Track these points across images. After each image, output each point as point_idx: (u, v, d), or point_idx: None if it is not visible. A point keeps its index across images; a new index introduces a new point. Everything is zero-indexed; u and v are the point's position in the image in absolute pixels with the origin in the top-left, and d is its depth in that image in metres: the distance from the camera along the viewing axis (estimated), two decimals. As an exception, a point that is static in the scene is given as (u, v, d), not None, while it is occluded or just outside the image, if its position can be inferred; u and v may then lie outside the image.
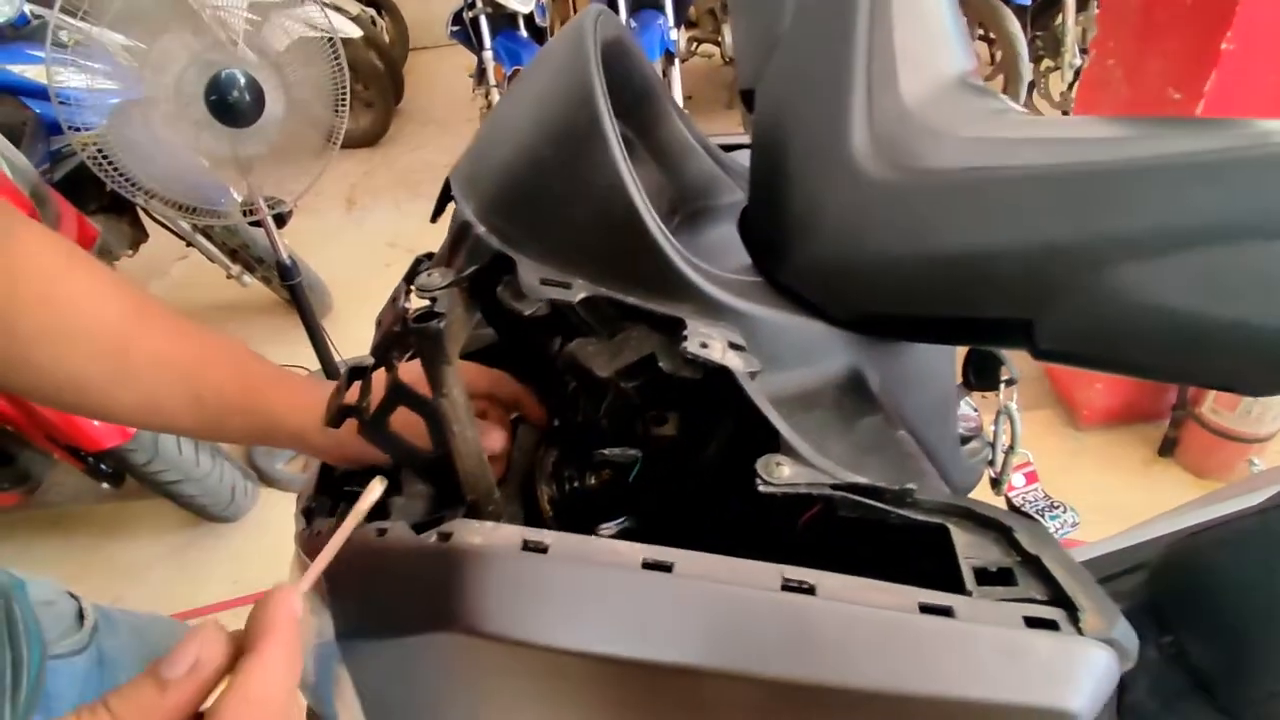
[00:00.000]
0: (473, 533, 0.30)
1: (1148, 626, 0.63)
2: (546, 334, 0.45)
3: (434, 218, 0.42)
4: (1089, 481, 1.59)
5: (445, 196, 0.40)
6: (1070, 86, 2.77)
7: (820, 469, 0.30)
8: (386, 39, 4.10)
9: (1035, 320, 0.30)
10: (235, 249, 2.15)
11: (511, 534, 0.29)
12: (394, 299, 0.38)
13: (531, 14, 2.76)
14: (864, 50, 0.36)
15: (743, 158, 0.50)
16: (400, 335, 0.37)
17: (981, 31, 2.93)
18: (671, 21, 2.72)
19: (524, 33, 2.81)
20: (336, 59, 1.43)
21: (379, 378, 0.39)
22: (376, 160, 3.61)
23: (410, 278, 0.45)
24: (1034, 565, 0.28)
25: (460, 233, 0.37)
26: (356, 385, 0.41)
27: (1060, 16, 2.72)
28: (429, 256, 0.46)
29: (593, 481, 0.45)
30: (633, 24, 2.71)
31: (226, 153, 1.35)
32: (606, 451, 0.43)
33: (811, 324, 0.35)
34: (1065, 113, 2.83)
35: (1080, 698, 0.25)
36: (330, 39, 1.42)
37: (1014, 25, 2.61)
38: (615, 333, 0.37)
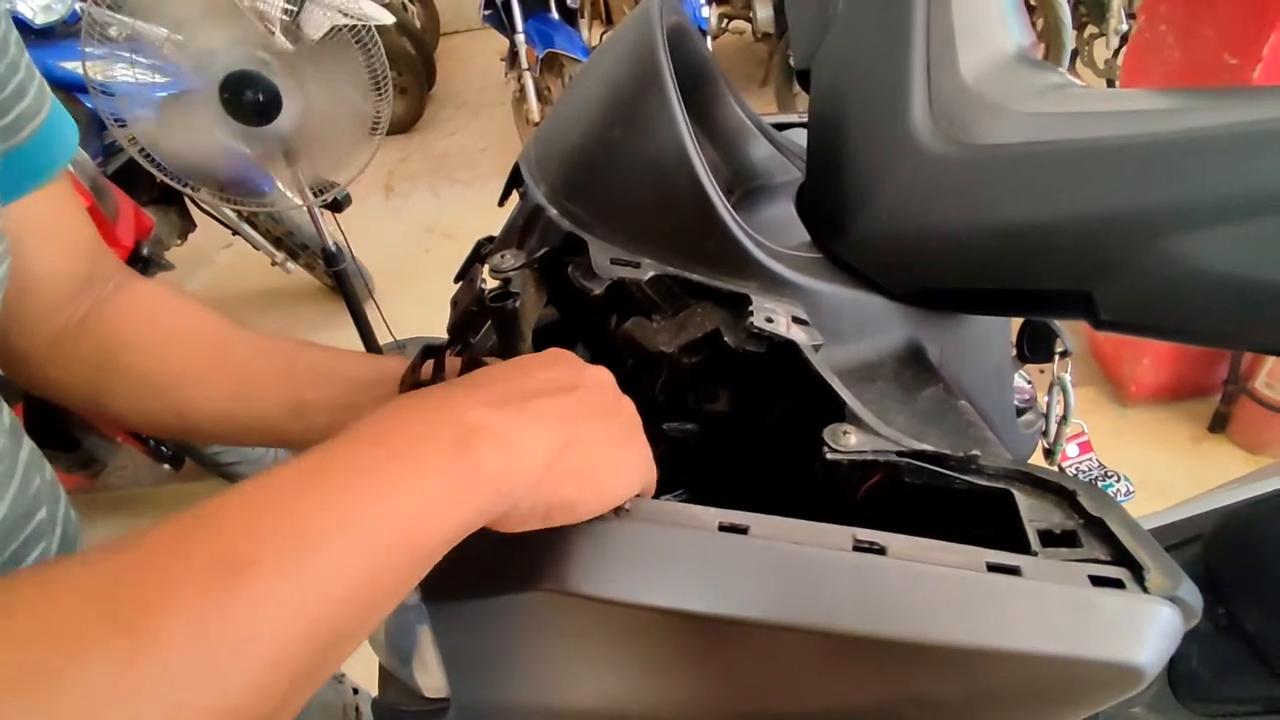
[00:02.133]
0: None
1: (1205, 598, 0.63)
2: (606, 312, 0.47)
3: (501, 201, 0.44)
4: (1136, 458, 1.56)
5: (514, 180, 0.42)
6: (1116, 53, 2.68)
7: (886, 437, 0.31)
8: (418, 24, 4.12)
9: (1095, 291, 0.31)
10: (279, 237, 2.20)
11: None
12: (470, 280, 0.39)
13: (562, -5, 2.76)
14: (922, 27, 0.36)
15: (796, 137, 0.50)
16: (476, 315, 0.39)
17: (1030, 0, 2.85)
18: (705, -1, 2.69)
19: (555, 15, 2.80)
20: (374, 45, 1.44)
21: (453, 358, 0.41)
22: (412, 146, 3.65)
23: (473, 261, 0.47)
24: (1098, 527, 0.28)
25: (532, 215, 0.39)
26: (429, 365, 0.43)
27: (1105, -18, 2.63)
28: (490, 240, 0.48)
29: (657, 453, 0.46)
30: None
31: (254, 148, 1.38)
32: (665, 426, 0.45)
33: (871, 298, 0.36)
34: (1110, 80, 2.75)
35: (1147, 652, 0.26)
36: (367, 27, 1.44)
37: (1058, -8, 2.53)
38: (679, 310, 0.38)
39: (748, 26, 3.39)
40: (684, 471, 0.45)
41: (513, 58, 2.86)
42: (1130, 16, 2.62)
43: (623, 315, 0.41)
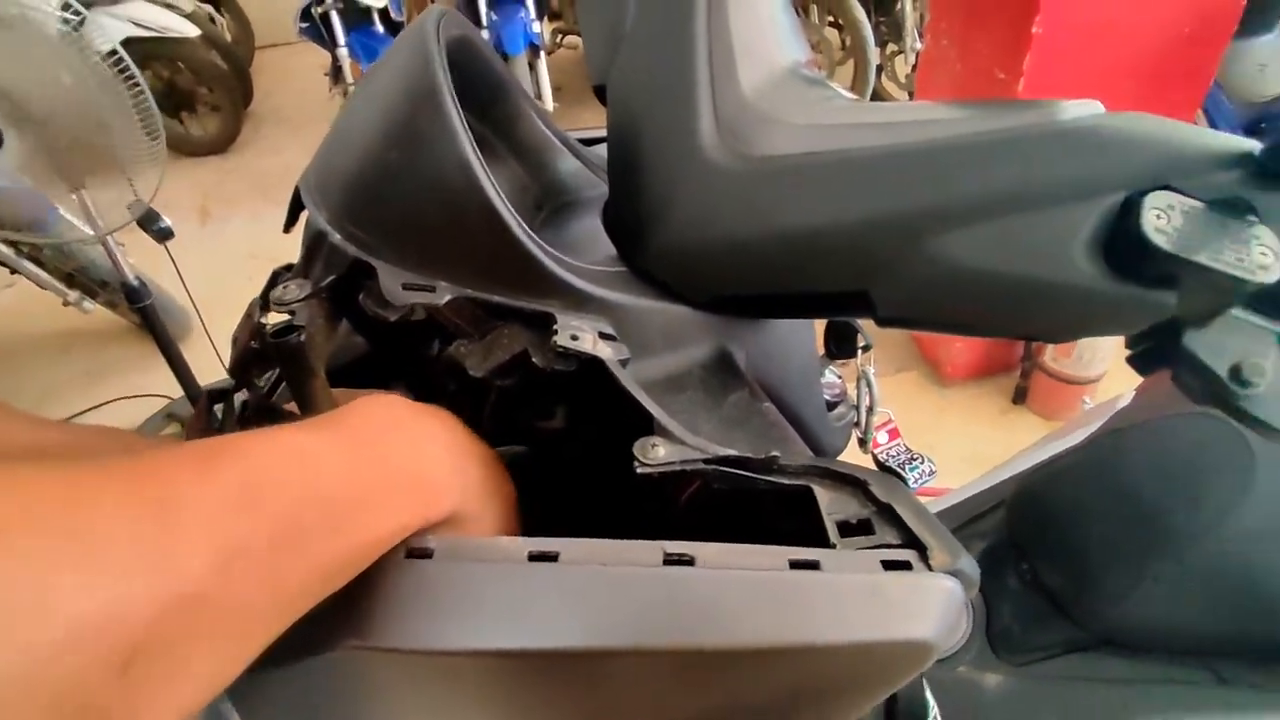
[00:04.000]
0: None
1: (1008, 559, 0.70)
2: (423, 339, 0.45)
3: (286, 228, 0.41)
4: (955, 432, 1.73)
5: (296, 205, 0.38)
6: (914, 68, 2.96)
7: (692, 446, 0.31)
8: (228, 37, 3.83)
9: (871, 290, 0.33)
10: (70, 273, 1.95)
11: (395, 547, 0.29)
12: (249, 314, 0.36)
13: (386, 8, 2.66)
14: (704, 44, 0.37)
15: (604, 150, 0.51)
16: (258, 352, 0.35)
17: (831, 18, 3.08)
18: (533, 13, 2.69)
19: (380, 28, 2.70)
20: (118, 61, 1.27)
21: (238, 400, 0.38)
22: (229, 167, 3.38)
23: (268, 291, 0.43)
24: (888, 513, 0.30)
25: (315, 242, 0.36)
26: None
27: (900, 3, 2.90)
28: (288, 268, 0.44)
29: None
30: (494, 16, 2.66)
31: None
32: (498, 450, 0.43)
33: (676, 309, 0.37)
34: (911, 93, 3.03)
35: (934, 627, 0.27)
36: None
37: (859, 12, 2.76)
38: (486, 333, 0.37)
39: (581, 40, 3.44)
40: (523, 493, 0.44)
41: (336, 72, 2.72)
42: (923, 35, 2.91)
43: (444, 340, 0.39)
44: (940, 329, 0.34)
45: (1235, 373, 0.29)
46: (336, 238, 0.35)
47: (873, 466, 0.47)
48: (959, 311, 0.33)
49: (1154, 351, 0.32)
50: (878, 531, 0.30)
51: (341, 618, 0.28)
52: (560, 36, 3.67)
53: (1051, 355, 1.67)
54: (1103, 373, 1.64)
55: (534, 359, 0.34)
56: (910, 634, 0.27)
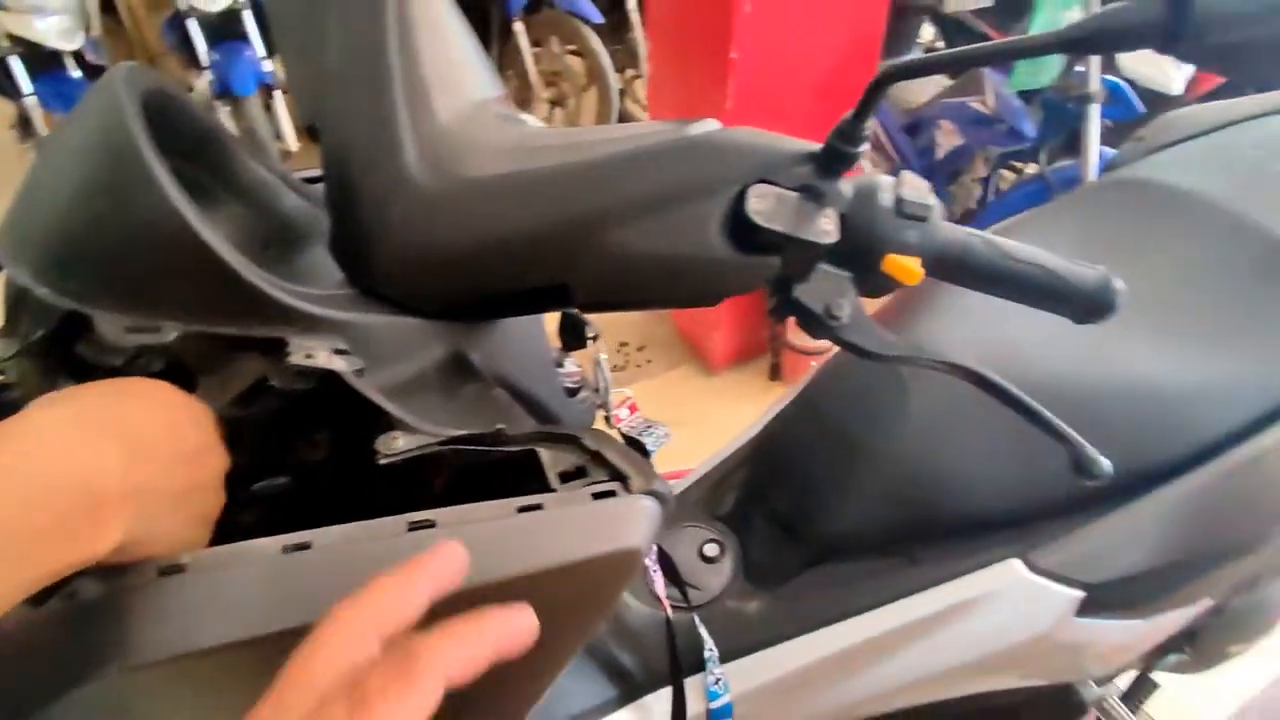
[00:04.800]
0: (98, 582, 0.30)
1: (755, 503, 0.82)
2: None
3: None
4: (725, 415, 1.92)
5: None
6: (651, 91, 3.22)
7: (427, 433, 0.36)
8: None
9: (569, 282, 0.40)
10: None
11: (145, 568, 0.31)
12: None
13: (81, 51, 2.38)
14: (399, 82, 0.42)
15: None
16: None
17: (571, 48, 3.26)
18: (261, 51, 2.55)
19: (76, 72, 2.41)
20: None
21: None
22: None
23: None
24: (598, 458, 0.37)
25: (18, 299, 0.36)
26: None
27: (632, 31, 3.15)
28: None
29: (248, 519, 0.45)
30: (215, 56, 2.48)
31: None
32: (256, 487, 0.45)
33: (406, 321, 0.41)
34: (653, 114, 3.28)
35: (637, 536, 0.35)
36: None
37: (594, 41, 2.95)
38: (224, 367, 0.39)
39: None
40: (285, 522, 0.45)
41: (24, 124, 2.38)
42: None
43: (189, 386, 0.39)
44: (627, 307, 0.42)
45: (827, 311, 0.40)
46: (43, 291, 0.35)
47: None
48: (637, 290, 0.41)
49: (780, 305, 0.42)
50: (591, 474, 0.37)
51: (106, 643, 0.29)
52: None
53: (792, 332, 1.93)
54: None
55: (273, 382, 0.37)
56: (619, 544, 0.34)
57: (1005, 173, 2.29)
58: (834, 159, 0.40)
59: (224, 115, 2.50)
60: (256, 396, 0.39)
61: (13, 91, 2.29)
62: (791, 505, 0.76)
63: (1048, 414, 0.41)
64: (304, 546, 0.31)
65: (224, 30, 2.54)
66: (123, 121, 0.35)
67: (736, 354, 2.08)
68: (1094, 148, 1.66)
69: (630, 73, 3.39)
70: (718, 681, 0.69)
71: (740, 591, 0.75)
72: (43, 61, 2.33)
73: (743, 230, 0.39)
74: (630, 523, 0.35)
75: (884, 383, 0.72)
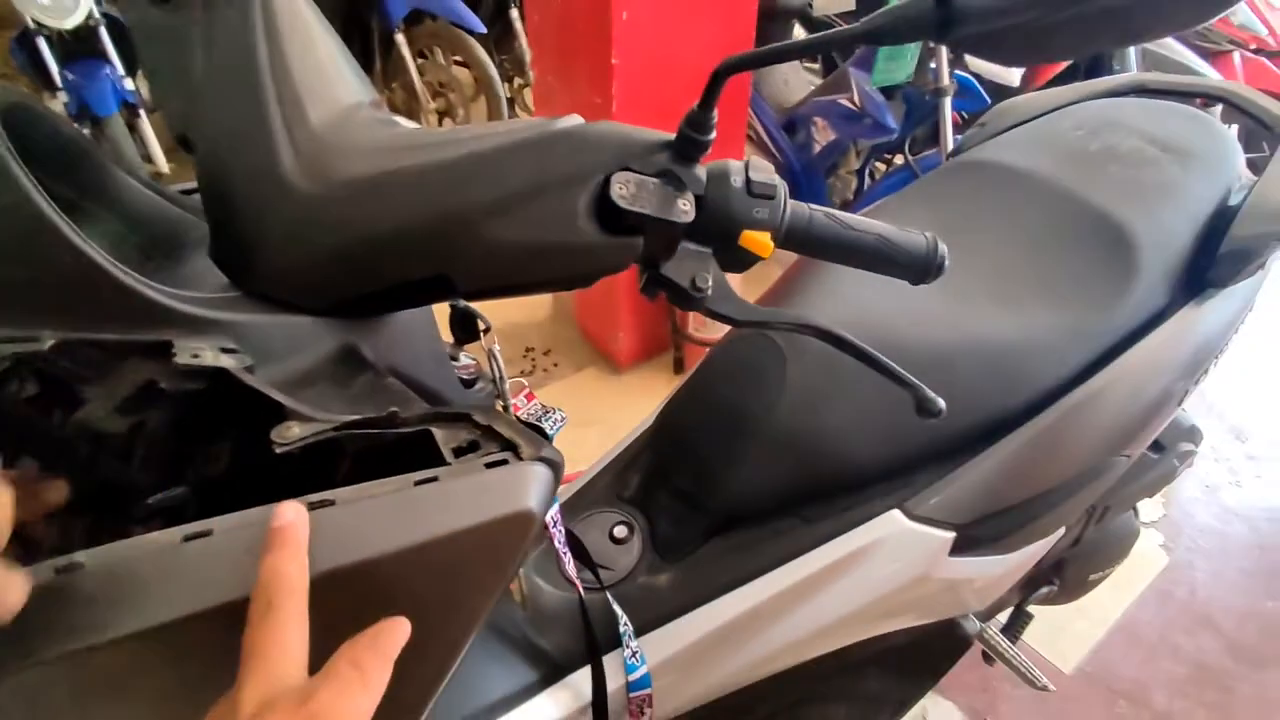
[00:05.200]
0: None
1: (659, 482, 0.86)
2: (45, 411, 0.44)
3: None
4: (632, 410, 1.95)
5: None
6: (540, 100, 3.24)
7: (321, 420, 0.38)
8: None
9: (449, 273, 0.42)
10: None
11: (40, 569, 0.31)
12: None
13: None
14: (271, 91, 0.44)
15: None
16: None
17: (458, 59, 3.24)
18: (121, 69, 2.41)
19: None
20: None
21: None
22: None
23: None
24: (489, 432, 0.40)
25: None
26: None
27: (517, 41, 3.16)
28: None
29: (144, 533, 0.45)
30: (70, 77, 2.33)
31: None
32: (152, 500, 0.44)
33: (291, 319, 0.42)
34: (544, 121, 3.29)
35: (530, 499, 0.37)
36: None
37: (479, 51, 2.95)
38: (109, 375, 0.39)
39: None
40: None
41: None
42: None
43: (67, 408, 0.39)
44: (505, 293, 0.45)
45: (693, 284, 0.44)
46: None
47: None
48: (514, 275, 0.44)
49: (650, 282, 0.46)
50: (483, 447, 0.39)
51: (5, 644, 0.29)
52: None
53: (693, 326, 2.00)
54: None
55: (162, 384, 0.38)
56: (513, 507, 0.37)
57: (879, 164, 2.45)
58: (687, 146, 0.44)
59: (84, 138, 2.35)
60: (146, 404, 0.39)
61: None
62: (691, 480, 0.80)
63: (888, 362, 0.47)
64: (205, 534, 0.32)
65: (78, 48, 2.39)
66: None
67: (640, 352, 2.13)
68: (949, 135, 1.81)
69: (518, 82, 3.41)
70: (634, 654, 0.72)
71: (650, 567, 0.78)
72: None
73: (608, 215, 0.42)
74: (522, 487, 0.37)
75: (764, 357, 0.78)
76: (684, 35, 1.65)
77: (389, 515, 0.34)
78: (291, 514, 0.33)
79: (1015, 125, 1.10)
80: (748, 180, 0.45)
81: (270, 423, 0.39)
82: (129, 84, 2.43)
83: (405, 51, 2.86)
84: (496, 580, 0.39)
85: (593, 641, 0.71)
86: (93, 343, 0.37)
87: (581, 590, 0.71)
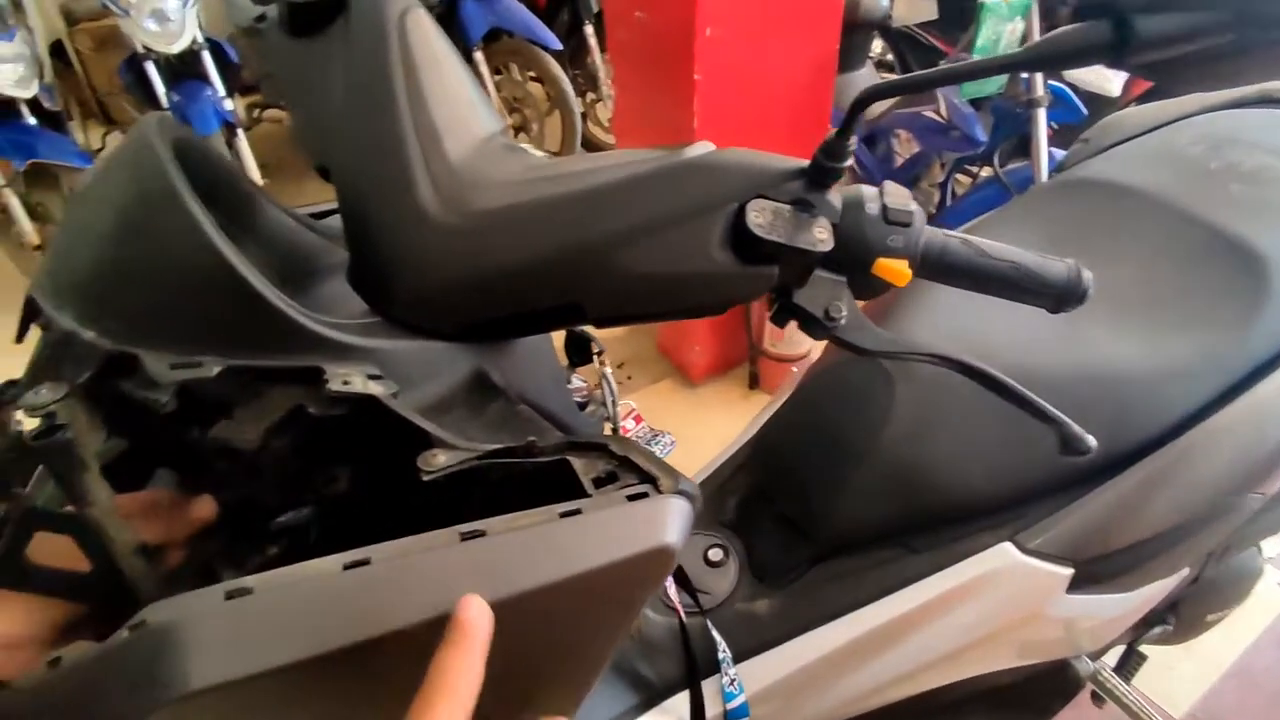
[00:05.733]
0: (168, 608, 0.31)
1: (758, 506, 0.85)
2: (183, 426, 0.46)
3: (19, 338, 0.41)
4: (707, 423, 1.96)
5: (30, 315, 0.39)
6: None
7: (465, 449, 0.38)
8: None
9: (582, 301, 0.42)
10: None
11: (210, 592, 0.32)
12: (1, 425, 0.36)
13: (36, 98, 2.35)
14: (411, 126, 0.45)
15: (335, 221, 0.55)
16: (18, 459, 0.35)
17: (532, 74, 3.30)
18: (221, 90, 2.55)
19: (31, 119, 2.37)
20: None
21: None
22: None
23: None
24: (627, 463, 0.39)
25: (62, 343, 0.37)
26: None
27: (590, 55, 3.20)
28: (13, 384, 0.43)
29: (275, 551, 0.46)
30: (175, 98, 2.48)
31: None
32: (281, 519, 0.46)
33: (429, 345, 0.43)
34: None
35: (671, 534, 0.37)
36: None
37: (555, 68, 3.00)
38: (258, 399, 0.40)
39: (284, 114, 3.30)
40: (314, 553, 0.47)
41: (-19, 175, 2.34)
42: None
43: (204, 425, 0.41)
44: (637, 320, 0.45)
45: (826, 314, 0.43)
46: (89, 335, 0.36)
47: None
48: (646, 304, 0.43)
49: (781, 310, 0.45)
50: (621, 478, 0.39)
51: (175, 669, 0.30)
52: (258, 111, 3.48)
53: (769, 341, 1.97)
54: (809, 349, 1.97)
55: (310, 409, 0.39)
56: (654, 542, 0.36)
57: (960, 177, 2.37)
58: (821, 173, 0.43)
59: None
60: (290, 426, 0.40)
61: (-34, 142, 2.25)
62: (794, 503, 0.79)
63: (1033, 397, 0.44)
64: (363, 563, 0.33)
65: (182, 70, 2.53)
66: (159, 166, 0.37)
67: (715, 365, 2.12)
68: (1043, 149, 1.74)
69: (591, 96, 3.45)
70: (733, 682, 0.71)
71: (748, 593, 0.77)
72: (-4, 110, 2.30)
73: (743, 243, 0.42)
74: (664, 521, 0.37)
75: (871, 380, 0.76)
76: (767, 51, 1.64)
77: (538, 549, 0.34)
78: (475, 610, 0.32)
79: (1124, 140, 1.04)
80: (883, 207, 0.44)
81: (404, 448, 0.39)
82: (228, 104, 2.57)
83: (484, 69, 2.93)
84: (629, 614, 0.39)
85: (693, 667, 0.70)
86: (247, 369, 0.38)
87: (683, 615, 0.71)
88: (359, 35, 0.47)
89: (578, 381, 0.60)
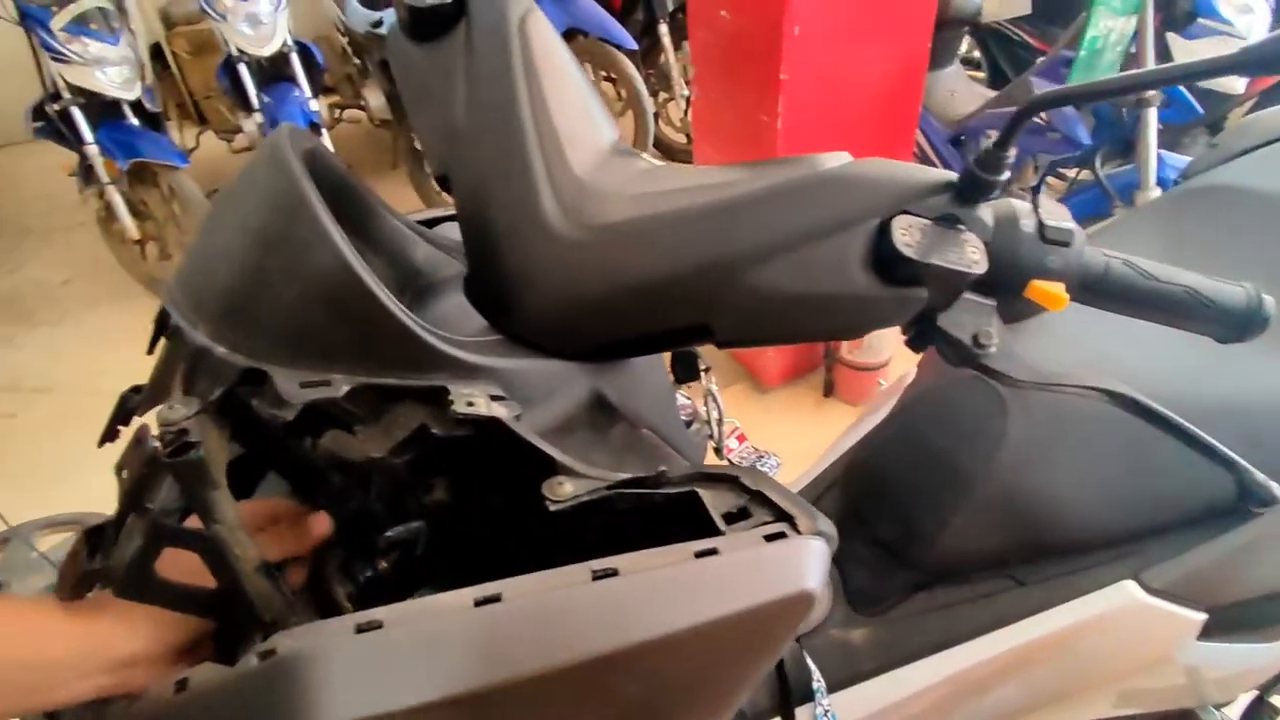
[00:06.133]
0: (299, 637, 0.31)
1: (852, 528, 0.81)
2: (296, 435, 0.46)
3: (151, 349, 0.41)
4: (780, 430, 1.91)
5: (162, 326, 0.39)
6: (685, 112, 3.24)
7: (594, 478, 0.36)
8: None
9: (710, 321, 0.40)
10: None
11: (340, 623, 0.31)
12: (138, 440, 0.36)
13: (139, 100, 2.47)
14: (534, 136, 0.43)
15: (447, 230, 0.55)
16: (152, 475, 0.35)
17: (605, 73, 3.30)
18: (308, 92, 2.63)
19: (134, 120, 2.49)
20: None
21: (131, 528, 0.37)
22: (-39, 291, 2.92)
23: (120, 418, 0.43)
24: (759, 498, 0.37)
25: (196, 358, 0.37)
26: None
27: (664, 55, 3.18)
28: (137, 390, 0.44)
29: (384, 565, 0.46)
30: (265, 99, 2.56)
31: None
32: (391, 533, 0.45)
33: (551, 363, 0.42)
34: (688, 134, 3.30)
35: (811, 579, 0.34)
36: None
37: (629, 67, 2.99)
38: (380, 415, 0.39)
39: (363, 115, 3.39)
40: (422, 569, 0.46)
41: (87, 172, 2.47)
42: (690, 84, 3.20)
43: (314, 434, 0.40)
44: (768, 343, 0.42)
45: (975, 340, 0.40)
46: (221, 351, 0.36)
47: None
48: (780, 326, 0.41)
49: (919, 334, 0.42)
50: (754, 514, 0.36)
51: (304, 702, 0.29)
52: (339, 111, 3.58)
53: (847, 349, 1.91)
54: (889, 358, 1.90)
55: (434, 430, 0.38)
56: (794, 588, 0.34)
57: (1051, 180, 2.26)
58: (974, 187, 0.40)
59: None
60: (413, 445, 0.39)
61: (75, 140, 2.37)
62: (893, 529, 0.75)
63: (1210, 439, 0.40)
64: (494, 599, 0.31)
65: (272, 73, 2.62)
66: (294, 181, 0.36)
67: (788, 371, 2.07)
68: (1152, 152, 1.63)
69: (664, 96, 3.43)
70: (826, 713, 0.68)
71: (844, 620, 0.74)
72: (102, 110, 2.42)
73: (887, 263, 0.39)
74: (804, 565, 0.34)
75: (982, 404, 0.71)
76: (857, 49, 1.58)
77: (673, 592, 0.32)
78: None
79: (1262, 145, 0.96)
80: (1040, 224, 0.40)
81: (523, 468, 0.38)
82: (314, 105, 2.65)
83: (559, 69, 2.94)
84: (765, 660, 0.36)
85: (786, 696, 0.67)
86: (376, 388, 0.37)
87: (777, 641, 0.68)
88: (480, 40, 0.46)
89: (682, 399, 0.58)
